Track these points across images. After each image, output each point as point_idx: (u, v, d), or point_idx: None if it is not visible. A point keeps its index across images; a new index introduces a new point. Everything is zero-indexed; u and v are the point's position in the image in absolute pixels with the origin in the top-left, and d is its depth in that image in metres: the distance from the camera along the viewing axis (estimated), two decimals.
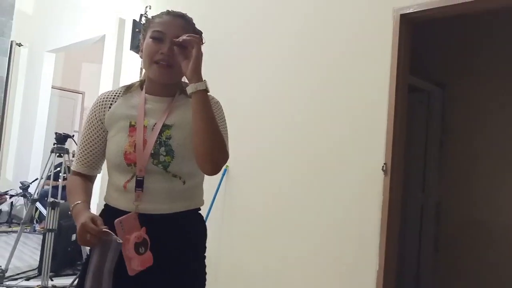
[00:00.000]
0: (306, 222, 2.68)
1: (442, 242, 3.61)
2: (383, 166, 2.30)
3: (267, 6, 3.12)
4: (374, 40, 2.42)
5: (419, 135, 3.59)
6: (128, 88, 1.32)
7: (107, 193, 1.29)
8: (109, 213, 1.24)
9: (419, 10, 2.18)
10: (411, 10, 2.19)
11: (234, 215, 3.16)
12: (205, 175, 1.31)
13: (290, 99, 2.86)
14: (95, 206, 4.32)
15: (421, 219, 3.71)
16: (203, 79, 1.17)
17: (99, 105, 1.28)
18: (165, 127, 1.22)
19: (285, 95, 2.89)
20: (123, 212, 1.19)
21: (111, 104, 1.28)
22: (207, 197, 3.42)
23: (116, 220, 1.16)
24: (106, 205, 1.30)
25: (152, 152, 1.20)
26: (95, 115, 1.28)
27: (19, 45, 5.90)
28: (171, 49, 1.20)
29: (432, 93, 3.56)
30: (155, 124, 1.23)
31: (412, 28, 2.32)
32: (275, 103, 2.96)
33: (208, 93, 1.20)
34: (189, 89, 1.16)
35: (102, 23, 4.65)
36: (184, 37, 1.17)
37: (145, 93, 1.28)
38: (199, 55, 1.17)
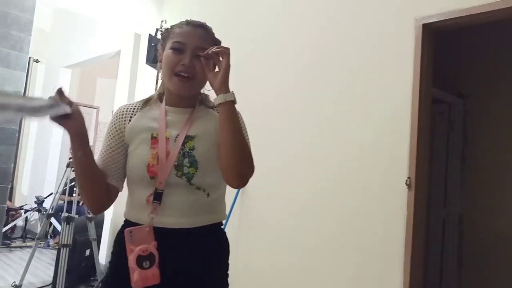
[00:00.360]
0: (326, 238, 2.60)
1: (466, 257, 3.49)
2: (406, 180, 2.22)
3: (286, 17, 3.10)
4: (396, 51, 2.37)
5: (440, 147, 3.50)
6: (146, 102, 1.29)
7: (128, 208, 1.25)
8: (130, 227, 1.19)
9: (442, 19, 2.12)
10: (433, 20, 2.14)
11: (250, 230, 3.10)
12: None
13: (310, 111, 2.81)
14: (109, 220, 4.29)
15: (443, 233, 3.60)
16: (231, 90, 1.15)
17: (119, 117, 1.26)
18: (188, 138, 1.20)
19: (305, 107, 2.84)
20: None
21: (131, 117, 1.25)
22: None
23: (126, 229, 1.14)
24: (126, 221, 1.25)
25: (176, 163, 1.16)
26: (115, 126, 1.25)
27: (36, 61, 6.01)
28: (192, 60, 1.18)
29: (453, 104, 3.48)
30: (178, 135, 1.20)
31: (434, 38, 2.26)
32: (294, 115, 2.91)
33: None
34: (218, 100, 1.14)
35: (118, 38, 4.69)
36: (213, 49, 1.16)
37: (165, 105, 1.25)
38: (229, 66, 1.16)
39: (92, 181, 1.18)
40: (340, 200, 2.56)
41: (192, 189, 1.17)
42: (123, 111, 1.27)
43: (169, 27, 1.28)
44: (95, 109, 7.23)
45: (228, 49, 1.17)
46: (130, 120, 1.24)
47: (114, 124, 1.26)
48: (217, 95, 1.15)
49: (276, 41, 3.12)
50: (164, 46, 1.25)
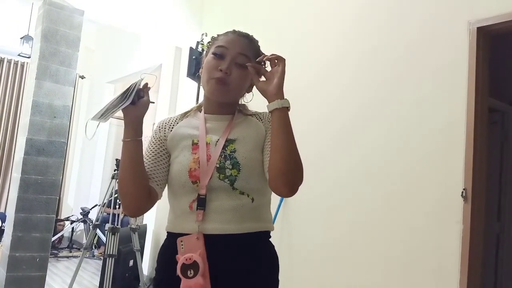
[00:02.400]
0: (375, 253, 2.50)
1: None
2: (462, 192, 2.10)
3: (333, 27, 3.06)
4: (449, 56, 2.27)
5: (493, 158, 3.31)
6: (185, 113, 1.31)
7: (170, 221, 1.22)
8: (173, 240, 1.15)
9: (498, 22, 2.01)
10: (489, 23, 2.03)
11: (293, 244, 3.03)
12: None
13: (360, 124, 2.73)
14: (151, 232, 4.34)
15: (497, 249, 3.38)
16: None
17: (160, 129, 1.27)
18: (229, 141, 1.19)
19: (356, 120, 2.76)
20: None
21: (172, 127, 1.26)
22: None
23: (178, 238, 1.13)
24: (169, 234, 1.21)
25: (218, 166, 1.14)
26: (157, 136, 1.26)
27: (82, 77, 6.25)
28: (230, 67, 1.18)
29: (507, 114, 3.30)
30: (218, 140, 1.19)
31: (489, 42, 2.14)
32: (342, 124, 2.84)
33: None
34: (273, 105, 1.12)
35: (159, 52, 4.80)
36: (268, 56, 1.16)
37: (204, 113, 1.26)
38: (284, 72, 1.15)
39: (135, 176, 1.14)
40: (391, 214, 2.45)
41: (235, 193, 1.14)
42: (164, 123, 1.28)
43: (216, 35, 1.28)
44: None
45: (283, 57, 1.16)
46: (171, 130, 1.25)
47: (156, 135, 1.26)
48: (269, 102, 1.13)
49: (322, 52, 3.08)
50: (208, 53, 1.25)
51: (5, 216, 4.02)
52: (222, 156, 1.16)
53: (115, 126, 6.86)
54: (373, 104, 2.65)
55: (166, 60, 4.62)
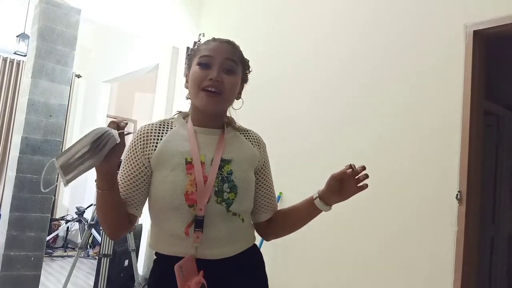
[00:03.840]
0: (370, 254, 2.50)
1: None
2: (457, 194, 2.11)
3: (331, 30, 3.06)
4: (445, 59, 2.27)
5: (488, 161, 3.33)
6: (166, 122, 1.21)
7: (159, 241, 1.15)
8: (165, 263, 1.11)
9: (494, 25, 2.02)
10: (485, 26, 2.04)
11: (288, 245, 3.03)
12: None
13: (355, 124, 2.74)
14: (147, 232, 4.32)
15: (491, 252, 3.40)
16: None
17: (142, 141, 1.15)
18: (224, 162, 1.15)
19: (350, 120, 2.77)
20: (181, 259, 1.09)
21: (157, 142, 1.15)
22: None
23: (176, 265, 1.06)
24: (158, 255, 1.16)
25: (216, 189, 1.11)
26: (137, 150, 1.15)
27: (78, 76, 6.23)
28: (220, 74, 1.13)
29: (502, 117, 3.32)
30: (213, 158, 1.14)
31: (486, 45, 2.15)
32: (336, 127, 2.85)
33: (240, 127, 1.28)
34: (323, 208, 1.24)
35: (156, 52, 4.79)
36: (362, 174, 1.23)
37: (194, 125, 1.19)
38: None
39: (113, 214, 1.11)
40: (385, 215, 2.46)
41: (229, 216, 1.13)
42: (145, 135, 1.16)
43: (195, 46, 1.27)
44: (133, 123, 7.41)
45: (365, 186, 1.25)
46: (156, 146, 1.14)
47: (137, 147, 1.15)
48: (325, 202, 1.23)
49: (318, 54, 3.08)
50: (191, 64, 1.20)
51: (0, 215, 4.00)
52: (219, 178, 1.12)
53: None
54: (368, 107, 2.66)
55: (163, 60, 4.61)
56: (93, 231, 4.84)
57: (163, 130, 1.18)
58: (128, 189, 1.14)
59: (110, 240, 3.11)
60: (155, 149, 1.14)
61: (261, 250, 3.18)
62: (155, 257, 1.19)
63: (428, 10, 2.42)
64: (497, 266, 3.36)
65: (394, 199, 2.43)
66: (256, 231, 1.30)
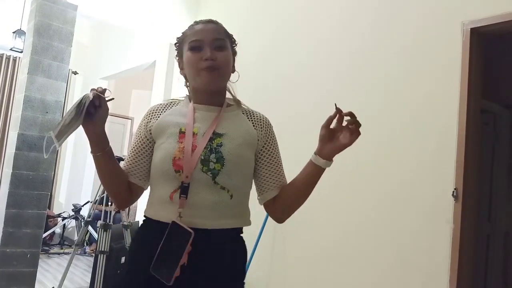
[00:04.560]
0: (367, 251, 2.51)
1: None
2: (453, 192, 2.11)
3: (327, 25, 3.06)
4: (442, 57, 2.28)
5: (485, 159, 3.34)
6: (174, 102, 1.32)
7: (149, 206, 1.23)
8: (150, 226, 1.19)
9: (492, 23, 2.02)
10: (483, 24, 2.04)
11: (286, 240, 3.04)
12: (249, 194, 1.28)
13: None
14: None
15: (487, 250, 3.41)
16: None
17: (148, 116, 1.28)
18: (216, 135, 1.19)
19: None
20: (165, 224, 1.12)
21: (160, 114, 1.26)
22: (257, 220, 3.33)
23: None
24: (146, 218, 1.22)
25: (202, 158, 1.15)
26: (144, 125, 1.27)
27: (75, 73, 6.20)
28: (213, 53, 1.19)
29: (499, 115, 3.33)
30: (206, 131, 1.20)
31: (483, 43, 2.15)
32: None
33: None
34: (321, 164, 1.19)
35: (153, 49, 4.78)
36: (349, 118, 1.18)
37: (194, 102, 1.26)
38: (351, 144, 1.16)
39: (112, 179, 1.22)
40: (382, 212, 2.47)
41: (216, 188, 1.14)
42: (152, 110, 1.29)
43: (180, 34, 1.29)
44: (130, 120, 7.39)
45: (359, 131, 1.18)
46: (158, 117, 1.25)
47: (144, 122, 1.28)
48: (321, 157, 1.20)
49: (315, 49, 3.08)
50: (182, 53, 1.26)
51: None
52: (208, 149, 1.16)
53: (108, 122, 6.81)
54: (366, 105, 2.66)
55: (160, 57, 4.60)
56: (90, 228, 4.83)
57: (167, 107, 1.29)
58: (131, 159, 1.25)
59: (107, 237, 3.11)
60: (156, 121, 1.24)
61: (259, 245, 3.16)
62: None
63: (425, 8, 2.42)
64: (493, 264, 3.37)
65: (391, 196, 2.43)
66: (268, 213, 1.29)
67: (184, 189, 1.13)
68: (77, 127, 1.07)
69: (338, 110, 1.18)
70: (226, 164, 1.15)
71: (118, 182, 1.22)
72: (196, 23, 1.27)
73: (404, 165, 2.39)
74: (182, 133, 1.19)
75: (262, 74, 3.45)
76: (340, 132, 1.17)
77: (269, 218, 3.19)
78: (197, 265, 1.12)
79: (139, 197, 1.29)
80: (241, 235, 1.26)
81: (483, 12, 2.11)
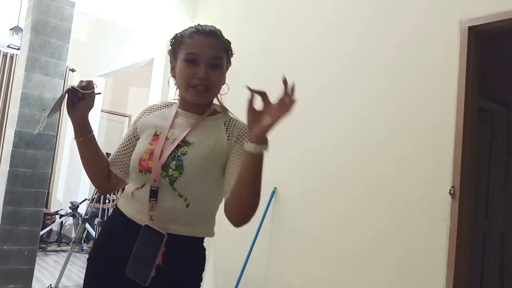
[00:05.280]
0: (363, 250, 2.51)
1: (508, 275, 3.30)
2: (450, 190, 2.12)
3: (325, 23, 3.06)
4: (439, 55, 2.28)
5: (482, 157, 3.35)
6: (167, 104, 1.35)
7: (122, 197, 1.30)
8: (117, 216, 1.25)
9: (490, 22, 2.02)
10: (481, 22, 2.04)
11: (282, 239, 3.04)
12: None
13: (349, 120, 2.74)
14: None
15: (483, 248, 3.43)
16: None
17: (141, 113, 1.35)
18: (185, 143, 1.20)
19: (344, 115, 2.77)
20: (129, 220, 1.20)
21: (149, 113, 1.32)
22: (254, 219, 3.33)
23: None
24: (116, 208, 1.29)
25: (163, 163, 1.18)
26: (135, 121, 1.35)
27: (72, 70, 6.18)
28: (208, 72, 1.18)
29: (497, 114, 3.34)
30: (177, 137, 1.22)
31: (481, 42, 2.16)
32: (332, 123, 2.85)
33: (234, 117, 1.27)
34: (252, 149, 1.02)
35: (151, 47, 4.77)
36: (288, 86, 1.05)
37: (179, 107, 1.29)
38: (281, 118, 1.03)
39: (92, 166, 1.31)
40: (379, 210, 2.47)
41: (174, 194, 1.17)
42: (146, 108, 1.36)
43: (178, 34, 1.26)
44: (127, 118, 7.37)
45: (291, 104, 1.06)
46: (147, 116, 1.31)
47: (136, 118, 1.36)
48: (249, 140, 1.03)
49: (313, 49, 3.08)
50: (176, 56, 1.24)
51: None
52: (172, 155, 1.18)
53: (105, 120, 6.81)
54: (364, 102, 2.66)
55: (158, 54, 4.59)
56: (87, 225, 4.82)
57: (159, 108, 1.34)
58: (117, 151, 1.34)
59: None
60: (143, 120, 1.31)
61: (256, 243, 3.15)
62: None
63: (423, 5, 2.42)
64: (489, 262, 3.39)
65: (388, 194, 2.44)
66: (226, 217, 1.17)
67: (153, 193, 1.16)
68: (57, 111, 1.24)
69: (251, 91, 1.04)
70: (185, 173, 1.16)
71: (97, 169, 1.32)
72: (198, 31, 1.21)
73: (401, 163, 2.40)
74: (156, 136, 1.23)
75: (258, 71, 3.44)
76: (267, 111, 1.04)
77: (266, 218, 3.20)
78: (164, 265, 1.15)
79: (119, 187, 1.40)
80: (202, 244, 1.26)
81: (481, 11, 2.11)
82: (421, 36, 2.40)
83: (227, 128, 1.23)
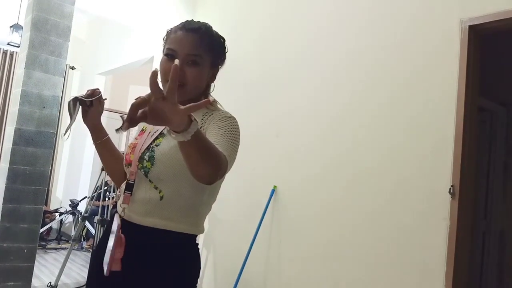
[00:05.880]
0: (362, 248, 2.52)
1: (507, 274, 3.31)
2: (450, 189, 2.12)
3: (324, 23, 3.06)
4: (440, 54, 2.28)
5: (481, 156, 3.35)
6: None
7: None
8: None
9: (490, 21, 2.03)
10: (481, 21, 2.04)
11: (282, 238, 3.04)
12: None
13: (349, 119, 2.74)
14: None
15: (483, 247, 3.44)
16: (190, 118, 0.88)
17: None
18: (161, 135, 1.22)
19: (344, 115, 2.77)
20: (112, 216, 1.25)
21: None
22: (254, 218, 3.32)
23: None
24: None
25: (139, 155, 1.21)
26: None
27: (72, 68, 6.18)
28: (183, 67, 1.17)
29: (496, 113, 3.34)
30: (157, 131, 1.24)
31: (481, 41, 2.16)
32: (331, 123, 2.85)
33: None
34: (175, 139, 0.89)
35: (150, 45, 4.76)
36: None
37: None
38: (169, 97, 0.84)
39: (109, 164, 1.37)
40: (378, 209, 2.47)
41: (150, 186, 1.18)
42: None
43: (169, 29, 1.26)
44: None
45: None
46: None
47: None
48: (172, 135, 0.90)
49: (312, 47, 3.08)
50: (164, 50, 1.26)
51: None
52: (147, 148, 1.21)
53: (105, 118, 6.79)
54: (363, 101, 2.67)
55: (158, 52, 4.57)
56: (87, 223, 4.82)
57: None
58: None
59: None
60: None
61: (256, 241, 3.14)
62: None
63: (423, 4, 2.42)
64: (488, 261, 3.40)
65: (388, 192, 2.44)
66: None
67: (128, 186, 1.21)
68: (72, 123, 1.28)
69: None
70: (156, 164, 1.17)
71: (115, 168, 1.36)
72: (182, 27, 1.21)
73: (401, 163, 2.40)
74: (142, 131, 1.29)
75: (256, 69, 3.45)
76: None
77: (266, 216, 3.21)
78: (132, 260, 1.14)
79: None
80: (191, 240, 1.21)
81: (482, 10, 2.11)
82: (421, 35, 2.40)
83: (204, 119, 1.19)
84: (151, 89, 0.83)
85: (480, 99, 3.01)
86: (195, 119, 0.88)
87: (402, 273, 2.31)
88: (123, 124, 0.86)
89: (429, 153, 2.27)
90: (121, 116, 1.04)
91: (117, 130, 1.06)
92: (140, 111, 0.85)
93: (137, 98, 0.85)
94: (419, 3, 2.45)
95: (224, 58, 1.30)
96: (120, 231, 1.16)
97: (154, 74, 0.83)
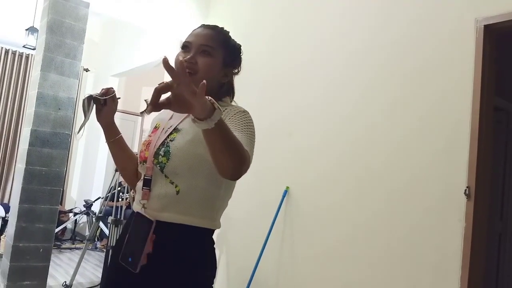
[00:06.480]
0: (376, 249, 2.50)
1: None
2: (465, 190, 2.10)
3: (338, 22, 3.05)
4: (455, 54, 2.26)
5: (497, 157, 3.30)
6: None
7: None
8: (132, 215, 1.27)
9: (505, 20, 2.00)
10: (496, 21, 2.02)
11: (295, 238, 3.04)
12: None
13: (364, 119, 2.72)
14: None
15: (499, 249, 3.38)
16: (213, 104, 0.88)
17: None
18: (175, 130, 1.23)
19: (359, 114, 2.75)
20: (136, 214, 1.21)
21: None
22: (266, 218, 3.32)
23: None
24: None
25: (155, 151, 1.21)
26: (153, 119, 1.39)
27: (86, 70, 6.25)
28: (195, 56, 1.20)
29: None
30: (171, 126, 1.25)
31: (496, 41, 2.13)
32: (346, 122, 2.83)
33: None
34: (198, 127, 0.90)
35: (163, 46, 4.80)
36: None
37: None
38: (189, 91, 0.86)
39: (122, 163, 1.38)
40: (394, 211, 2.45)
41: (166, 181, 1.19)
42: None
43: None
44: (140, 117, 7.43)
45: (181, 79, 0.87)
46: (158, 114, 1.34)
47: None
48: (195, 123, 0.90)
49: (325, 46, 3.07)
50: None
51: (9, 207, 4.04)
52: (162, 143, 1.21)
53: (118, 119, 6.86)
54: (376, 101, 2.65)
55: (171, 54, 4.60)
56: (101, 224, 4.88)
57: None
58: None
59: (118, 233, 3.14)
60: (155, 117, 1.36)
61: (269, 241, 3.14)
62: None
63: (438, 4, 2.40)
64: (504, 262, 3.34)
65: (403, 194, 2.42)
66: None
67: (146, 182, 1.21)
68: (86, 122, 1.29)
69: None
70: (171, 159, 1.17)
71: (127, 167, 1.39)
72: (200, 26, 1.30)
73: (416, 163, 2.38)
74: (155, 128, 1.30)
75: (269, 69, 3.45)
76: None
77: (278, 217, 3.21)
78: (159, 254, 1.15)
79: None
80: (207, 236, 1.21)
81: (497, 9, 2.08)
82: (435, 35, 2.38)
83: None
84: (170, 75, 0.86)
85: (495, 98, 2.97)
86: (218, 107, 0.89)
87: (416, 274, 2.29)
88: (147, 107, 0.90)
89: (444, 154, 2.25)
90: (145, 100, 0.91)
91: (141, 112, 1.06)
92: (164, 97, 0.88)
93: (161, 83, 0.88)
94: (434, 3, 2.42)
95: (239, 64, 1.31)
96: (153, 230, 1.14)
97: (165, 61, 0.85)
